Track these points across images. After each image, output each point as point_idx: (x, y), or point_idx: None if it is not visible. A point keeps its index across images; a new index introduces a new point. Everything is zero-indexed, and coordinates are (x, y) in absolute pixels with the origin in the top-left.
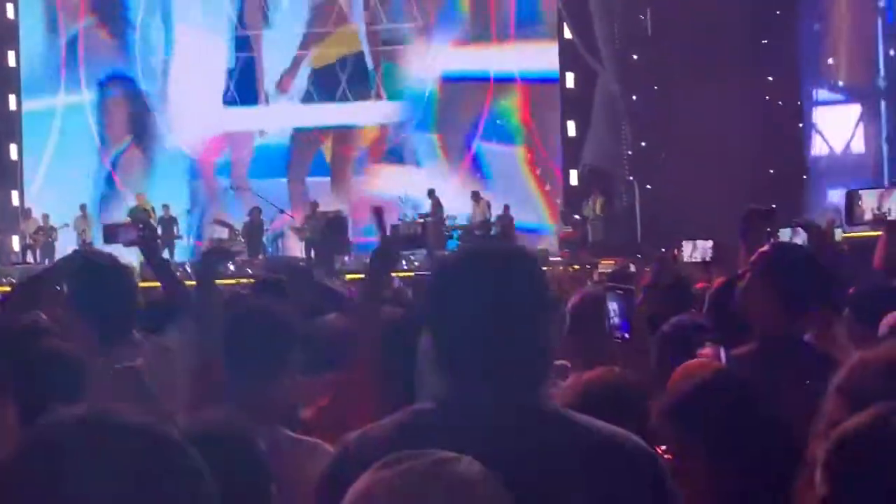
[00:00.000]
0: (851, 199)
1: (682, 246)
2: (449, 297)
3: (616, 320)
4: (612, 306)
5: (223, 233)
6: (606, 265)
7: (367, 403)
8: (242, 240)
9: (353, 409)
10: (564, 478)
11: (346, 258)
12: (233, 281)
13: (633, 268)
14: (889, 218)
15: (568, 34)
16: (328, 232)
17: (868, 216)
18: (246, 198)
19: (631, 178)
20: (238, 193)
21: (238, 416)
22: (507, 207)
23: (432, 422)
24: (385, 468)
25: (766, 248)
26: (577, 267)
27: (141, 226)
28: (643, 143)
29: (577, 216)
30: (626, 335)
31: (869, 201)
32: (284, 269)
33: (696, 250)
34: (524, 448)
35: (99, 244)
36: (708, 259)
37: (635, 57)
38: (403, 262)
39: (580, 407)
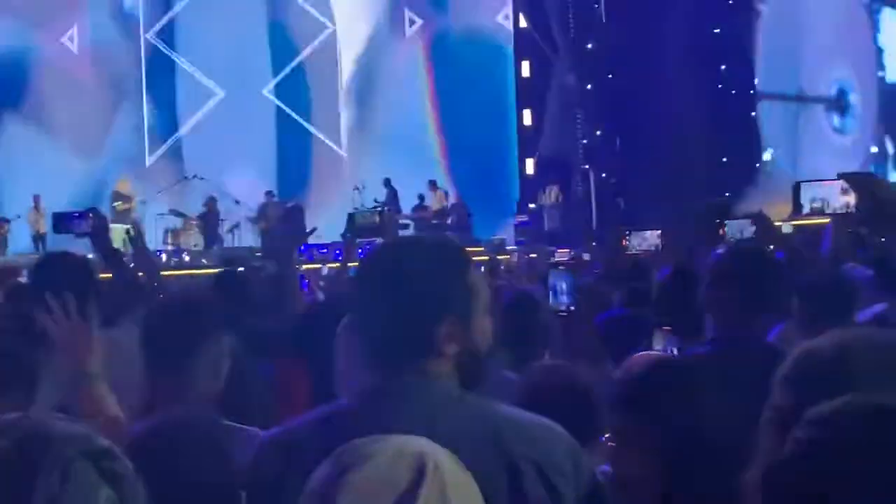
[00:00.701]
0: (796, 190)
1: (629, 235)
2: (369, 288)
3: (563, 297)
4: (558, 283)
5: (178, 222)
6: (562, 253)
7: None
8: (198, 230)
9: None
10: (482, 463)
11: (302, 248)
12: (188, 272)
13: (587, 256)
14: (827, 210)
15: (523, 23)
16: (285, 222)
17: (806, 209)
18: (202, 187)
19: (586, 166)
20: (195, 183)
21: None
22: (460, 196)
23: (353, 415)
24: (339, 459)
25: (722, 251)
26: (534, 255)
27: (90, 215)
28: (598, 132)
29: (532, 205)
30: (571, 307)
31: (809, 193)
32: (240, 262)
33: (644, 240)
34: (444, 435)
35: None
36: (655, 249)
37: (590, 46)
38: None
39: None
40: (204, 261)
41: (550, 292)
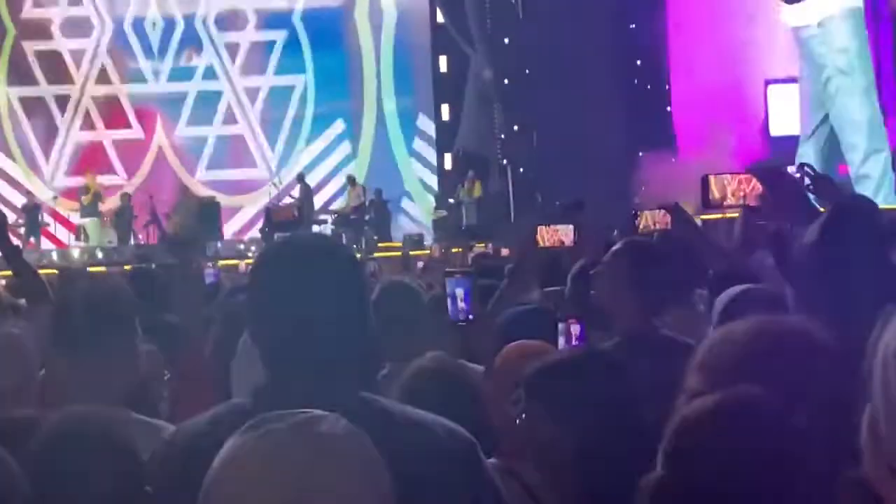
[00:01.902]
0: (704, 183)
1: (539, 230)
2: (262, 290)
3: (461, 304)
4: (456, 290)
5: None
6: (480, 248)
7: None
8: (112, 226)
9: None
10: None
11: (219, 244)
12: (102, 269)
13: (505, 251)
14: (726, 202)
15: (440, 18)
16: (200, 217)
17: (719, 201)
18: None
19: (504, 161)
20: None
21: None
22: (378, 192)
23: (246, 415)
24: (248, 432)
25: (619, 245)
26: (456, 249)
27: None
28: (515, 127)
29: (451, 200)
30: (471, 316)
31: (720, 186)
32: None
33: (555, 234)
34: None
35: None
36: (569, 243)
37: (507, 40)
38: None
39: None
40: (117, 257)
41: (448, 301)
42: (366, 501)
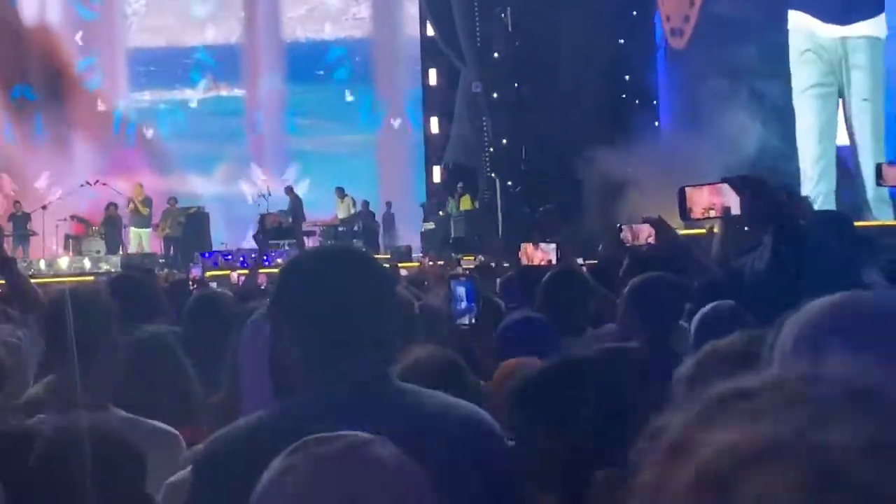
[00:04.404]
0: (682, 195)
1: (524, 249)
2: (300, 294)
3: (463, 304)
4: (459, 291)
5: (80, 229)
6: (468, 261)
7: None
8: (99, 236)
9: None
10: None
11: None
12: (90, 277)
13: (493, 264)
14: (704, 214)
15: (430, 31)
16: (189, 228)
17: (696, 213)
18: (102, 192)
19: (492, 174)
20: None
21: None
22: (366, 203)
23: (296, 416)
24: (296, 453)
25: (636, 281)
26: (441, 262)
27: None
28: (504, 140)
29: (440, 213)
30: (475, 319)
31: (697, 198)
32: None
33: (539, 252)
34: (385, 431)
35: None
36: (553, 261)
37: (496, 55)
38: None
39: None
40: (105, 266)
41: (452, 302)
42: None
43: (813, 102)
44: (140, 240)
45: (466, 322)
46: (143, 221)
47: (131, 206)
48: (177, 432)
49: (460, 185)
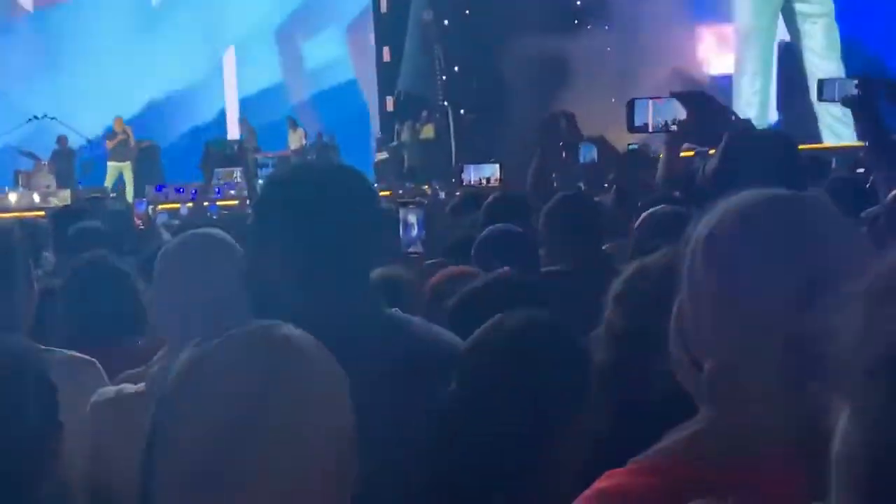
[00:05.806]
0: (629, 108)
1: (464, 169)
2: (287, 211)
3: (414, 232)
4: (409, 218)
5: (29, 164)
6: (424, 189)
7: None
8: (49, 171)
9: None
10: (403, 379)
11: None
12: (41, 212)
13: (443, 195)
14: (671, 127)
15: None
16: (142, 162)
17: (650, 128)
18: (52, 126)
19: (444, 103)
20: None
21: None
22: (319, 135)
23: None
24: (204, 342)
25: (549, 206)
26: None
27: None
28: (456, 68)
29: (393, 142)
30: (422, 246)
31: (643, 111)
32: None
33: (481, 173)
34: (370, 351)
35: None
36: (495, 182)
37: None
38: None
39: None
40: (54, 201)
41: (401, 229)
42: (327, 397)
43: None
44: (119, 174)
45: (414, 250)
46: (127, 154)
47: (121, 136)
48: (94, 360)
49: (425, 112)
